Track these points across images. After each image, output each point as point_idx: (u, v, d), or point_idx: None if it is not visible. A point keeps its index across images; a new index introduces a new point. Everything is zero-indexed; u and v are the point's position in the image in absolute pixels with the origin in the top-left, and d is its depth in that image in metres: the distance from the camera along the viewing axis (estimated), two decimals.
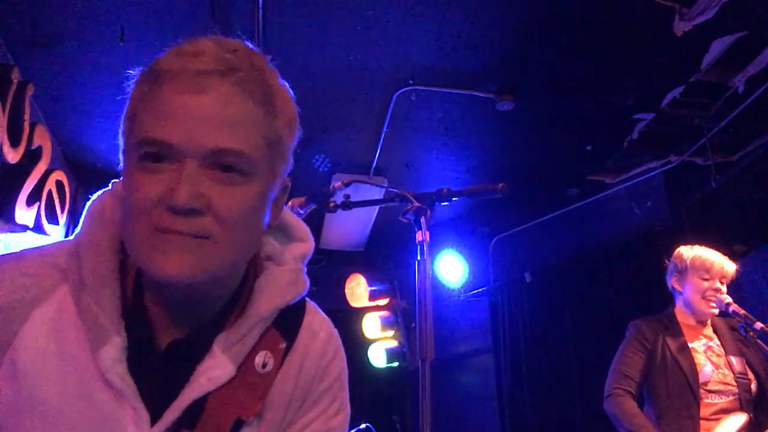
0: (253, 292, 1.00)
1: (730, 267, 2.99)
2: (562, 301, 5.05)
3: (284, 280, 1.06)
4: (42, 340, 0.88)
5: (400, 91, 3.72)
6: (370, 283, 5.77)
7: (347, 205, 1.99)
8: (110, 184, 1.04)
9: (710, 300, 2.91)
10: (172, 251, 0.83)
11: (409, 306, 5.95)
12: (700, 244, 3.12)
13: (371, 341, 5.84)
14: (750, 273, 4.08)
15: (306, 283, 1.13)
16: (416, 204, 1.86)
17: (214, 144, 0.86)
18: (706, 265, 2.96)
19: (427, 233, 1.80)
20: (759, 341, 2.84)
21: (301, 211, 1.95)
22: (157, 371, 0.90)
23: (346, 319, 6.03)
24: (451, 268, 5.49)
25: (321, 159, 4.53)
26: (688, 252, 3.06)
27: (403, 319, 5.89)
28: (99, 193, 1.03)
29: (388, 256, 6.10)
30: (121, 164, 0.94)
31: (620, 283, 4.63)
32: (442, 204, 1.93)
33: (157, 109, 0.88)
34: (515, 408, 5.20)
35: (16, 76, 3.06)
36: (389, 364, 5.81)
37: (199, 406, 0.90)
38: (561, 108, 3.99)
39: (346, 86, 3.73)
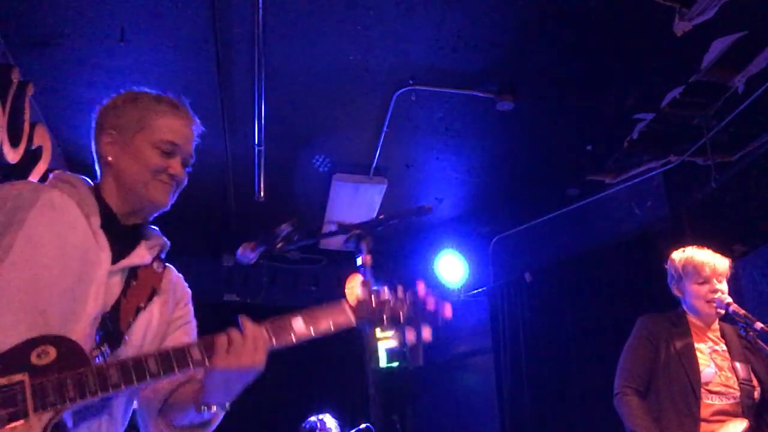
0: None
1: (722, 264, 2.97)
2: (562, 300, 5.05)
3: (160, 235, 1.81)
4: (47, 216, 1.52)
5: (400, 91, 3.72)
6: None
7: (288, 242, 2.05)
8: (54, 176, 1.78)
9: (711, 302, 2.91)
10: (165, 191, 1.70)
11: None
12: (695, 244, 3.10)
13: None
14: (750, 273, 4.08)
15: None
16: (355, 232, 2.00)
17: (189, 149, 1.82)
18: (698, 268, 2.95)
19: (369, 257, 1.93)
20: (759, 341, 2.84)
21: (251, 255, 1.96)
22: (118, 238, 1.62)
23: None
24: (451, 268, 5.49)
25: (321, 159, 4.53)
26: (679, 258, 3.04)
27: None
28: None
29: (388, 257, 6.10)
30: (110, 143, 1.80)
31: (620, 283, 4.63)
32: (378, 229, 2.05)
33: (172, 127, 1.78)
34: (515, 408, 5.20)
35: (16, 77, 3.06)
36: (389, 365, 5.81)
37: (134, 272, 1.63)
38: (561, 108, 3.99)
39: (346, 86, 3.73)
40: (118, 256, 1.59)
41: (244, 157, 4.27)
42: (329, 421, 4.65)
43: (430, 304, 1.84)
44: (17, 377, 1.27)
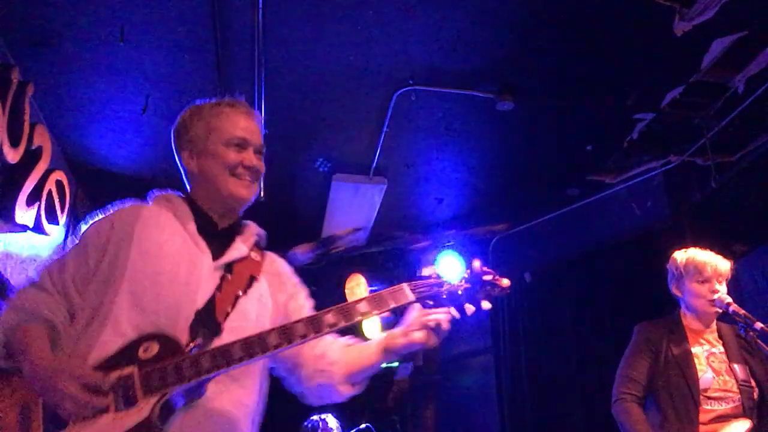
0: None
1: (724, 265, 2.98)
2: (562, 300, 5.06)
3: (256, 226, 2.02)
4: (152, 227, 1.77)
5: (400, 91, 3.72)
6: (370, 283, 5.76)
7: (347, 246, 2.15)
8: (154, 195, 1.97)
9: (711, 301, 2.91)
10: (245, 185, 1.85)
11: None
12: (696, 245, 3.10)
13: None
14: (750, 272, 4.08)
15: None
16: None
17: (258, 141, 1.93)
18: (699, 267, 2.95)
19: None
20: (759, 341, 2.83)
21: (309, 255, 2.16)
22: (215, 238, 1.82)
23: None
24: (451, 268, 5.48)
25: (321, 159, 4.53)
26: (681, 257, 3.05)
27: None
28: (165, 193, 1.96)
29: (388, 257, 6.10)
30: (191, 155, 1.91)
31: (620, 283, 4.63)
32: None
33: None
34: (515, 407, 5.20)
35: (16, 77, 3.06)
36: (389, 365, 5.81)
37: (230, 266, 1.80)
38: (561, 108, 3.99)
39: (346, 86, 3.73)
40: (217, 254, 1.79)
41: None
42: (331, 420, 4.66)
43: (488, 276, 1.97)
44: (128, 370, 1.56)
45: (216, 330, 1.67)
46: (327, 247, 2.12)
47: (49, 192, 3.59)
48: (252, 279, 1.83)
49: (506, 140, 4.38)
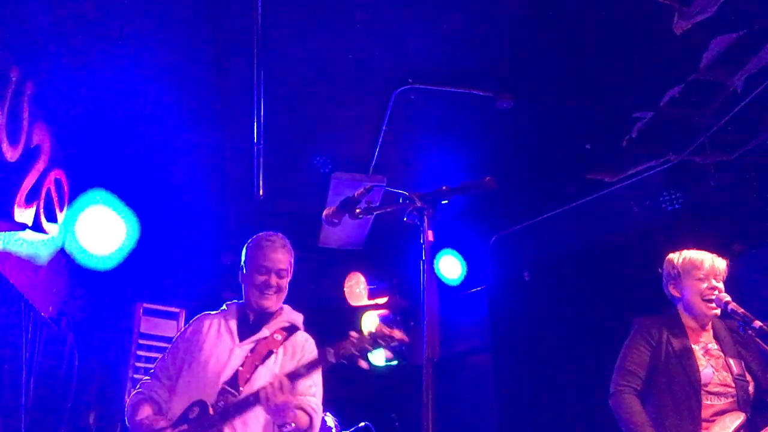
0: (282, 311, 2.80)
1: (720, 263, 2.98)
2: (561, 299, 5.06)
3: (292, 313, 2.83)
4: (201, 335, 2.65)
5: (399, 89, 3.72)
6: (369, 282, 5.77)
7: (370, 210, 2.15)
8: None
9: (710, 300, 2.91)
10: (266, 297, 2.69)
11: (408, 304, 5.94)
12: (695, 244, 3.11)
13: None
14: (749, 271, 4.08)
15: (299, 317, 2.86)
16: (418, 204, 1.93)
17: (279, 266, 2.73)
18: (697, 265, 2.96)
19: (431, 232, 1.88)
20: (758, 340, 2.84)
21: (335, 221, 2.21)
22: (247, 327, 2.68)
23: (345, 318, 6.03)
24: (450, 267, 5.49)
25: (320, 157, 4.53)
26: (677, 257, 3.06)
27: (402, 317, 5.89)
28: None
29: (388, 255, 6.10)
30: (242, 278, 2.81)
31: (619, 282, 4.63)
32: (443, 202, 1.98)
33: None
34: (513, 406, 5.21)
35: (15, 75, 3.06)
36: (388, 363, 5.81)
37: (257, 346, 2.61)
38: (560, 107, 3.99)
39: (345, 85, 3.73)
40: (244, 338, 2.63)
41: (244, 155, 4.27)
42: (329, 419, 4.66)
43: (384, 333, 2.65)
44: (183, 427, 2.42)
45: (234, 394, 2.46)
46: (349, 210, 2.08)
47: (48, 190, 3.59)
48: (270, 353, 2.59)
49: (505, 139, 4.38)
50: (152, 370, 2.69)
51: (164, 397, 2.58)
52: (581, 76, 3.68)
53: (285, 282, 2.71)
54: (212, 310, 2.83)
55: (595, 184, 4.91)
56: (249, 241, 2.82)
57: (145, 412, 2.54)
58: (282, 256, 2.70)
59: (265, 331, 2.63)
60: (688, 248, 3.08)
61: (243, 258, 2.80)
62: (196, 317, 2.76)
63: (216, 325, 2.67)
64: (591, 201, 5.00)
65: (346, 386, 6.03)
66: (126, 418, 2.61)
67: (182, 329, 2.77)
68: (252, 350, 2.56)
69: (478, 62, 3.54)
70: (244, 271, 2.76)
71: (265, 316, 2.69)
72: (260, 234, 2.79)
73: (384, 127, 4.07)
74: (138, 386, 2.67)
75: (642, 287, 4.19)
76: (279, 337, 2.64)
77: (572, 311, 4.96)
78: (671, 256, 3.09)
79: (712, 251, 3.03)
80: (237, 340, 2.60)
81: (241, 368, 2.51)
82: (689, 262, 2.99)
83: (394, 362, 5.82)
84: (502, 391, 5.35)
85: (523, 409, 5.12)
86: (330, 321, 6.19)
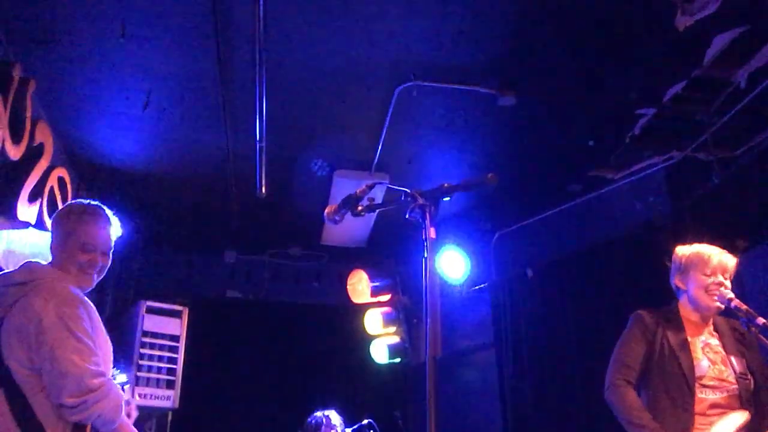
0: None
1: (730, 260, 2.99)
2: (564, 296, 5.05)
3: None
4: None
5: (402, 86, 3.71)
6: (372, 279, 5.77)
7: (371, 208, 2.14)
8: None
9: (713, 294, 2.92)
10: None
11: (411, 302, 5.95)
12: (701, 240, 3.11)
13: (373, 337, 5.85)
14: (752, 268, 4.07)
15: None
16: (420, 201, 1.94)
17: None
18: (705, 259, 2.97)
19: (433, 229, 1.88)
20: (761, 336, 2.84)
21: (337, 218, 2.16)
22: None
23: (348, 316, 6.04)
24: (452, 264, 5.49)
25: (323, 155, 4.53)
26: (686, 250, 3.07)
27: (405, 315, 5.89)
28: None
29: (390, 252, 6.10)
30: None
31: (622, 279, 4.62)
32: (444, 199, 1.98)
33: None
34: (517, 403, 5.21)
35: (17, 73, 3.07)
36: (391, 360, 5.82)
37: None
38: (563, 103, 3.99)
39: (347, 82, 3.73)
40: None
41: (246, 153, 4.27)
42: (334, 417, 4.66)
43: None
44: None
45: None
46: (351, 207, 2.09)
47: (51, 189, 3.59)
48: None
49: (508, 136, 4.37)
50: None
51: None
52: (584, 73, 3.68)
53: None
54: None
55: (598, 181, 4.91)
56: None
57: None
58: (106, 234, 2.47)
59: None
60: (697, 242, 3.09)
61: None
62: None
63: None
64: (594, 198, 4.99)
65: (350, 384, 6.07)
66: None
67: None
68: None
69: (480, 59, 3.54)
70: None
71: None
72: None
73: (387, 124, 4.07)
74: None
75: (645, 284, 4.20)
76: None
77: (575, 308, 4.95)
78: (680, 248, 3.10)
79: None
80: None
81: None
82: (698, 255, 3.00)
83: (397, 360, 5.83)
84: (505, 387, 5.35)
85: (527, 405, 5.11)
86: (333, 319, 6.24)
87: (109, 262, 2.49)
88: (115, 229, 2.52)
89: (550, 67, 3.64)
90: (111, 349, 2.44)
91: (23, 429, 2.12)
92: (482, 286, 5.77)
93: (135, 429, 2.46)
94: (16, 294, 2.25)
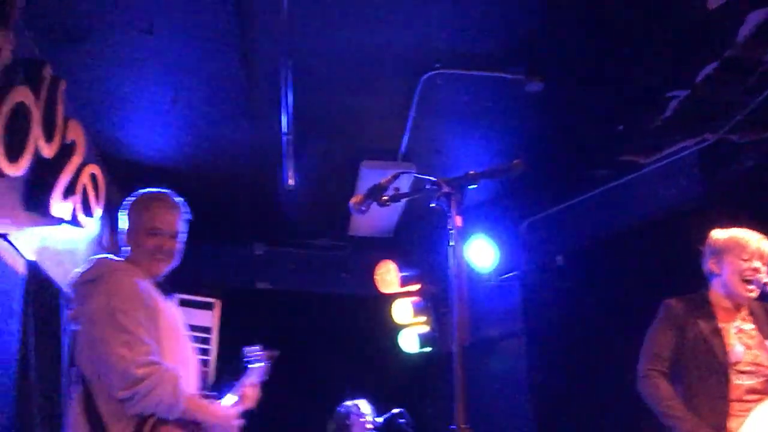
0: None
1: (766, 246, 2.93)
2: (595, 283, 5.00)
3: None
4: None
5: (427, 75, 3.69)
6: (400, 269, 5.77)
7: (396, 197, 2.14)
8: None
9: (749, 281, 2.86)
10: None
11: (440, 291, 5.94)
12: (735, 224, 3.06)
13: (402, 327, 5.86)
14: None
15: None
16: (445, 189, 1.93)
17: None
18: (743, 244, 2.92)
19: (459, 218, 1.87)
20: None
21: (363, 209, 2.14)
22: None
23: (377, 306, 6.05)
24: (482, 253, 5.46)
25: (349, 146, 4.54)
26: (722, 234, 3.01)
27: (434, 304, 5.89)
28: None
29: (418, 242, 6.09)
30: None
31: (654, 265, 4.55)
32: (470, 187, 1.97)
33: None
34: (547, 392, 5.17)
35: (48, 73, 3.11)
36: (421, 350, 5.82)
37: None
38: (591, 87, 3.93)
39: (371, 72, 3.72)
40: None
41: (273, 146, 4.30)
42: (364, 406, 4.70)
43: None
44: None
45: None
46: (376, 197, 2.09)
47: (84, 185, 3.66)
48: None
49: (536, 122, 4.33)
50: None
51: None
52: (613, 56, 3.61)
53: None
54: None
55: (629, 166, 4.83)
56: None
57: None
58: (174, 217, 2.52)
59: None
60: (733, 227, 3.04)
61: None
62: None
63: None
64: (624, 183, 4.91)
65: (380, 373, 6.10)
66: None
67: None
68: None
69: (506, 45, 3.50)
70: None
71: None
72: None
73: (412, 114, 4.06)
74: None
75: (677, 270, 4.12)
76: None
77: (606, 295, 4.90)
78: (716, 232, 3.05)
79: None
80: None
81: None
82: (735, 240, 2.94)
83: (428, 349, 5.83)
84: (535, 377, 5.33)
85: (556, 394, 5.08)
86: (361, 309, 6.26)
87: (179, 247, 2.49)
88: (184, 214, 2.54)
89: (577, 50, 3.58)
90: (182, 335, 2.46)
91: (91, 427, 2.16)
92: (512, 274, 5.74)
93: (207, 402, 2.40)
94: (86, 292, 2.28)
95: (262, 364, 2.92)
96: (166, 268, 2.46)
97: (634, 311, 4.51)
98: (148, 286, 2.35)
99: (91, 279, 2.29)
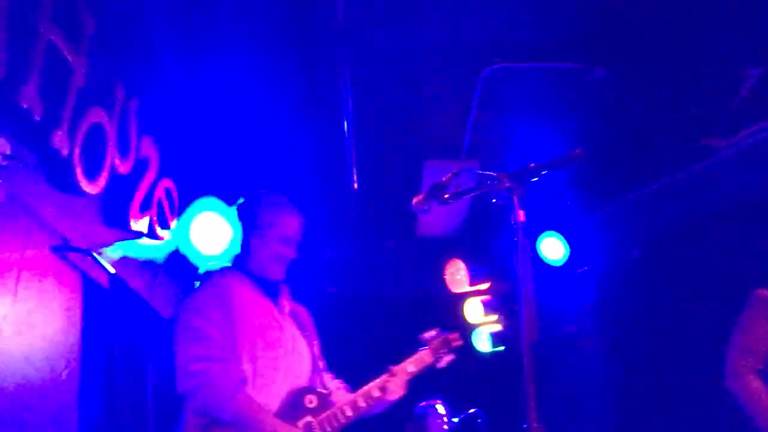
0: None
1: None
2: (673, 276, 4.80)
3: None
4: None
5: (488, 69, 3.65)
6: (470, 268, 5.72)
7: (458, 195, 2.12)
8: None
9: None
10: None
11: (511, 288, 5.85)
12: None
13: (474, 326, 5.80)
14: None
15: None
16: (507, 184, 1.89)
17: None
18: None
19: (522, 212, 1.82)
20: None
21: (425, 208, 2.13)
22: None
23: (448, 306, 6.01)
24: (553, 247, 5.36)
25: (411, 143, 4.53)
26: None
27: (505, 302, 5.81)
28: None
29: (487, 239, 6.02)
30: None
31: (735, 255, 4.33)
32: (532, 180, 1.93)
33: None
34: (626, 392, 5.01)
35: (120, 93, 3.25)
36: (495, 349, 5.75)
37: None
38: (659, 71, 3.78)
39: (430, 70, 3.72)
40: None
41: (336, 149, 4.34)
42: (440, 408, 4.68)
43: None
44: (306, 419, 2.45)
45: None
46: (438, 195, 2.08)
47: (159, 199, 3.80)
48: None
49: (602, 111, 4.21)
50: None
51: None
52: (680, 35, 3.47)
53: None
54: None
55: (704, 151, 4.62)
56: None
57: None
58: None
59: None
60: None
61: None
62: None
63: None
64: (702, 169, 4.69)
65: (454, 374, 6.04)
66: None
67: None
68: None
69: (567, 34, 3.42)
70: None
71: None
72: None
73: (474, 110, 4.02)
74: None
75: (763, 259, 3.90)
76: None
77: (686, 288, 4.70)
78: None
79: None
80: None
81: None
82: None
83: (501, 348, 5.76)
84: (612, 374, 5.17)
85: (637, 393, 4.91)
86: (432, 310, 6.23)
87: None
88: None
89: (643, 33, 3.46)
90: (284, 327, 2.51)
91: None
92: (585, 268, 5.60)
93: (264, 415, 2.30)
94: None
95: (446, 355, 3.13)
96: (282, 273, 2.55)
97: (718, 305, 4.31)
98: (246, 285, 2.42)
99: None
